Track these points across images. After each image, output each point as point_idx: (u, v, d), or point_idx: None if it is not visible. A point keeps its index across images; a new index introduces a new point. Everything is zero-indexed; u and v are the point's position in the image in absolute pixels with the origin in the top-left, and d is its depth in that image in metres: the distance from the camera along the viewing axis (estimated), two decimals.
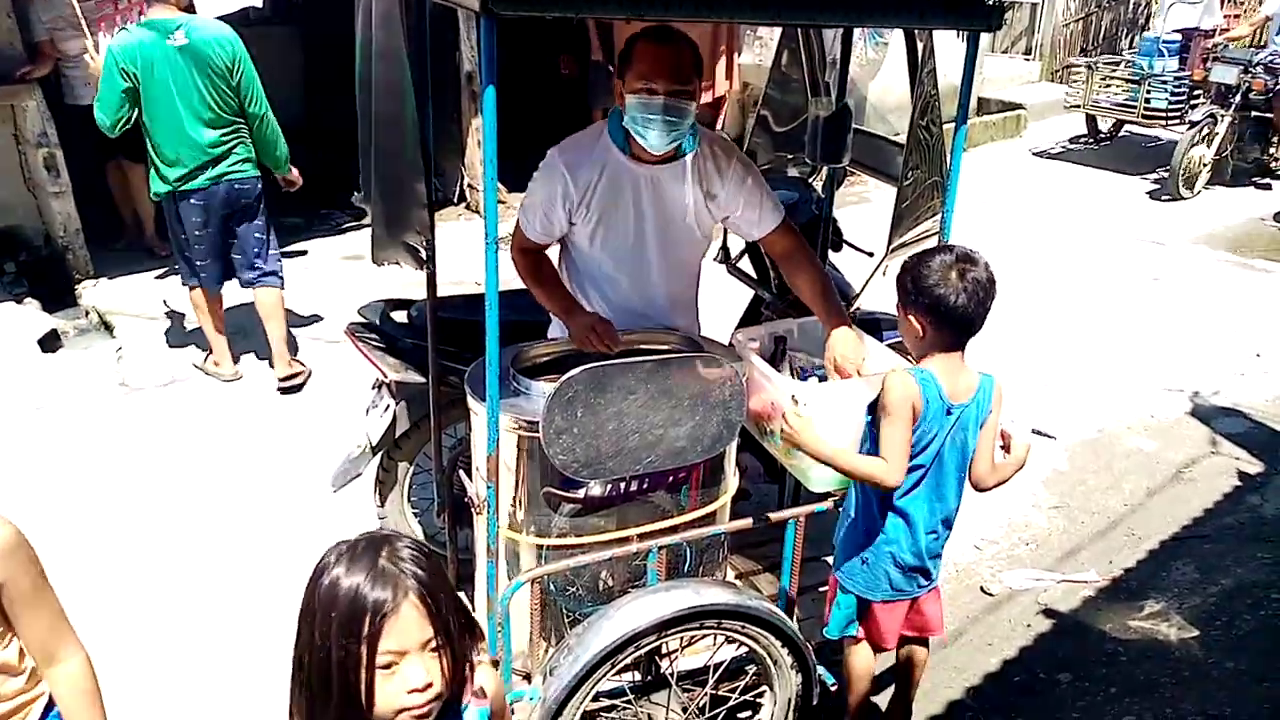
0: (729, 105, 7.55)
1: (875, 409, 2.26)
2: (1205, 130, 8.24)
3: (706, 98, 7.32)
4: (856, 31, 5.53)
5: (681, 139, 2.39)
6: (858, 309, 2.98)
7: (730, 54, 7.36)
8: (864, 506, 2.38)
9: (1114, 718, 2.92)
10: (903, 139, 2.64)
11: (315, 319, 5.34)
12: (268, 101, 4.41)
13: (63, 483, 3.84)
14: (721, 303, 3.49)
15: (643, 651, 2.24)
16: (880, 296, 2.66)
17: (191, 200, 4.32)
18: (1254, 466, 4.26)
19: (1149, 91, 8.77)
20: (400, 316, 3.13)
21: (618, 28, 5.92)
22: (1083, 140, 10.10)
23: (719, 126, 7.39)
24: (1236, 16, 10.93)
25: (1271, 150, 8.69)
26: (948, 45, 2.46)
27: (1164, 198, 8.24)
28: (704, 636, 2.37)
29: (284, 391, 4.64)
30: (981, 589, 3.44)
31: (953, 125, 2.44)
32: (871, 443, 2.30)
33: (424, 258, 2.49)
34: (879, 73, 8.15)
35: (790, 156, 3.39)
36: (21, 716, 1.65)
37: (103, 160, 5.85)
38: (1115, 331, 5.65)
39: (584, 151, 2.46)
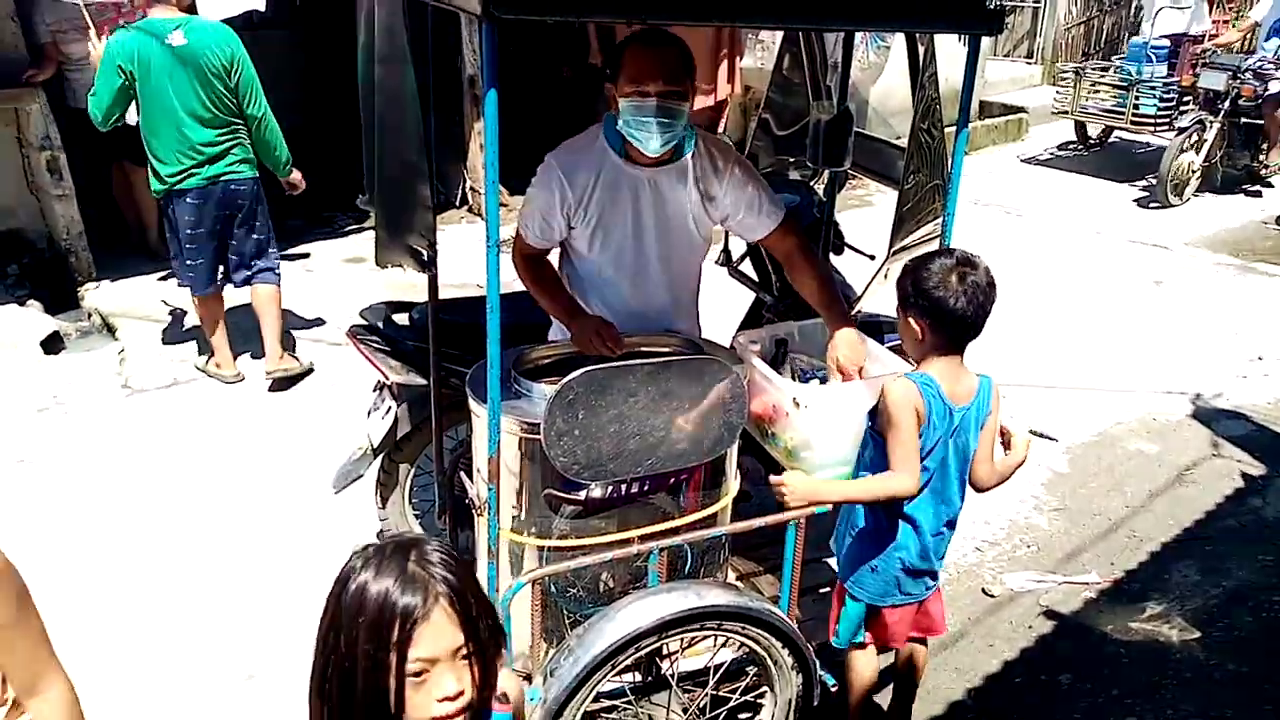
0: (731, 109, 7.56)
1: (876, 416, 2.26)
2: (1194, 137, 8.13)
3: (708, 101, 7.34)
4: (858, 35, 5.55)
5: (676, 140, 2.39)
6: (859, 312, 2.98)
7: (732, 57, 7.37)
8: (870, 514, 2.37)
9: (1115, 719, 2.92)
10: (904, 142, 2.65)
11: (317, 321, 5.35)
12: (268, 104, 4.41)
13: (65, 484, 3.85)
14: (723, 305, 3.50)
15: (643, 653, 2.25)
16: (882, 299, 2.67)
17: (187, 199, 4.33)
18: (1255, 469, 4.26)
19: (1137, 97, 8.66)
20: (402, 319, 3.14)
21: (618, 31, 5.93)
22: (1072, 147, 9.97)
23: (721, 130, 7.39)
24: (1226, 22, 10.85)
25: (1262, 157, 8.57)
26: (949, 49, 2.46)
27: (1152, 205, 8.14)
28: (705, 638, 2.37)
29: (274, 387, 4.66)
30: (983, 590, 3.44)
31: (954, 129, 2.44)
32: (874, 448, 2.30)
33: (426, 260, 2.49)
34: (880, 76, 8.16)
35: (792, 160, 3.39)
36: None
37: (106, 163, 5.86)
38: (1117, 334, 5.65)
39: (580, 155, 2.47)
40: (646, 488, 2.34)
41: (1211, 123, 8.17)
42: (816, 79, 3.17)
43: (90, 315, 5.40)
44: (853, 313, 2.87)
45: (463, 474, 2.67)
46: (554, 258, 2.70)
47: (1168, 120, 8.53)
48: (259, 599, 3.24)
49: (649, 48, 2.30)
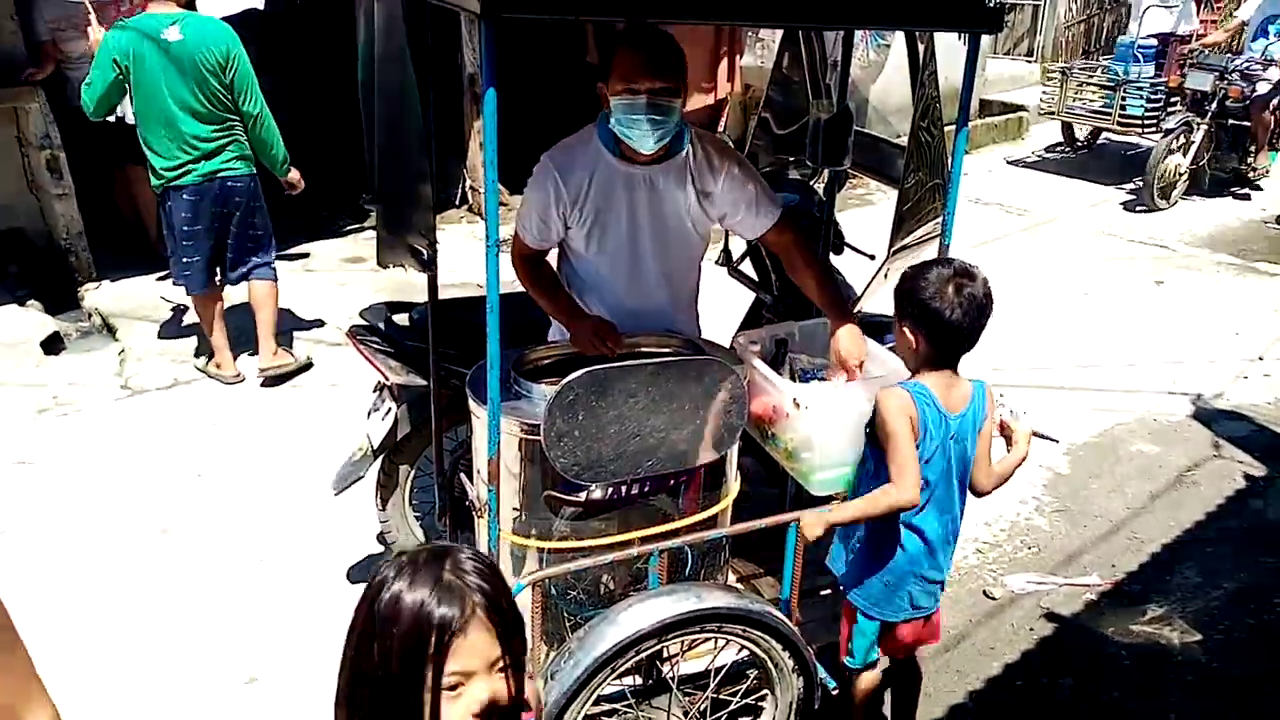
0: (730, 107, 7.55)
1: (873, 428, 2.25)
2: (1181, 139, 8.00)
3: (708, 99, 7.34)
4: (858, 34, 5.54)
5: (669, 138, 2.38)
6: (860, 311, 2.98)
7: (732, 56, 7.36)
8: (877, 530, 2.34)
9: None
10: (904, 141, 2.64)
11: (317, 322, 5.34)
12: (266, 103, 4.41)
13: (65, 485, 3.84)
14: (723, 305, 3.49)
15: (644, 655, 2.24)
16: (882, 299, 2.66)
17: (184, 196, 4.34)
18: (1257, 470, 4.25)
19: (1124, 98, 8.51)
20: (402, 319, 3.13)
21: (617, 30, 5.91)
22: (1059, 148, 9.86)
23: (720, 128, 7.39)
24: (1213, 22, 10.71)
25: (1249, 160, 8.40)
26: (949, 47, 2.46)
27: (1139, 209, 8.02)
28: (705, 640, 2.36)
29: (266, 384, 4.66)
30: (984, 593, 3.43)
31: (954, 127, 2.43)
32: (873, 461, 2.29)
33: (427, 260, 2.49)
34: (880, 75, 8.15)
35: (792, 159, 3.38)
36: None
37: (105, 162, 5.85)
38: (1117, 334, 5.64)
39: (574, 155, 2.46)
40: (647, 489, 2.33)
41: (1199, 124, 8.05)
42: (816, 77, 3.16)
43: (90, 315, 5.39)
44: (853, 312, 2.86)
45: (463, 475, 2.66)
46: (553, 259, 2.69)
47: (1155, 121, 8.43)
48: (259, 601, 3.23)
49: (639, 46, 2.30)
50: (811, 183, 3.44)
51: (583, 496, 2.28)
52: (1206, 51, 8.59)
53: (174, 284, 4.71)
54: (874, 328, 2.79)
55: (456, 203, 7.36)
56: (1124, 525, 3.85)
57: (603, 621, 2.19)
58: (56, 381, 4.65)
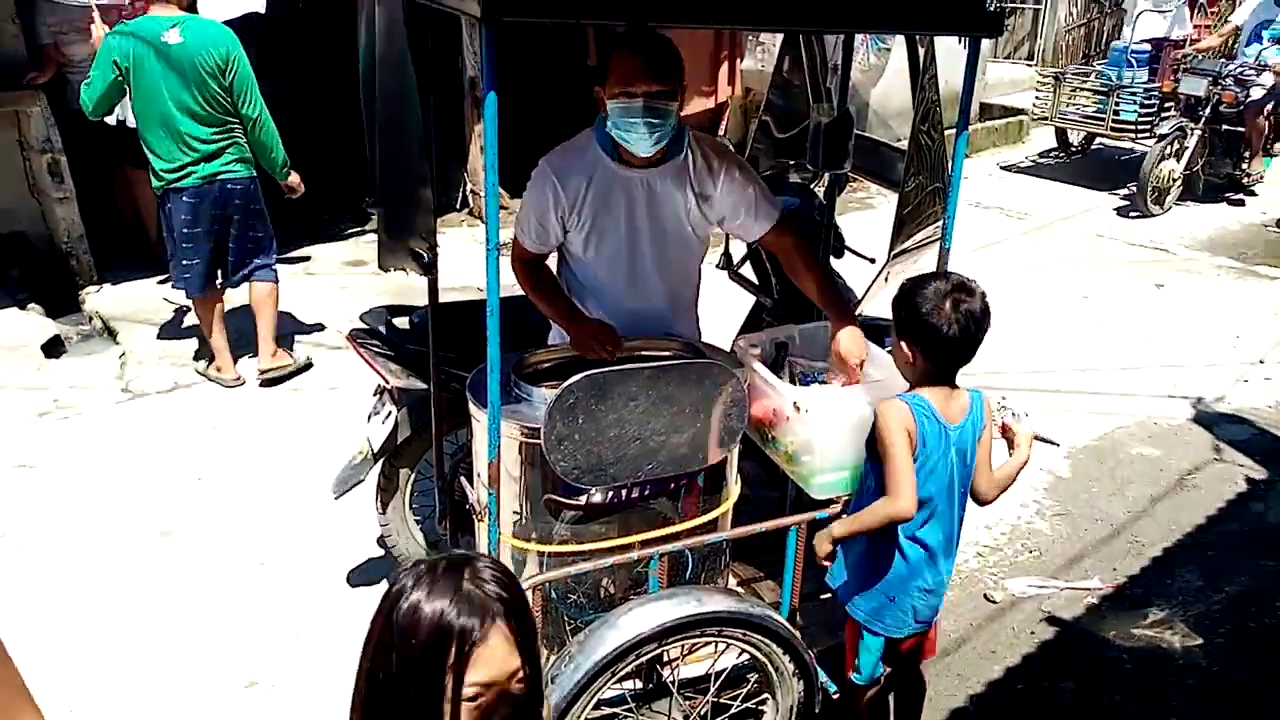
0: (731, 111, 7.56)
1: (873, 443, 2.25)
2: (1175, 144, 7.93)
3: (709, 103, 7.35)
4: (858, 37, 5.55)
5: (666, 140, 2.38)
6: (860, 315, 2.98)
7: (732, 60, 7.38)
8: (876, 544, 2.32)
9: None
10: (904, 145, 2.64)
11: (318, 325, 5.34)
12: (266, 106, 4.41)
13: (66, 489, 3.84)
14: (723, 309, 3.49)
15: (644, 659, 2.24)
16: (882, 303, 2.66)
17: (184, 198, 4.35)
18: (1258, 473, 4.24)
19: (1118, 103, 8.39)
20: (403, 323, 3.13)
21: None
22: (1053, 154, 9.79)
23: (721, 132, 7.40)
24: (1207, 27, 10.62)
25: (1244, 165, 8.32)
26: (949, 51, 2.46)
27: (1132, 214, 7.95)
28: (705, 644, 2.36)
29: (264, 384, 4.68)
30: (985, 596, 3.42)
31: (954, 131, 2.44)
32: (874, 477, 2.29)
33: (427, 263, 2.49)
34: (881, 78, 8.16)
35: (792, 162, 3.38)
36: None
37: (106, 165, 5.86)
38: (1118, 337, 5.64)
39: (572, 159, 2.47)
40: (647, 493, 2.33)
41: (1192, 129, 7.96)
42: (816, 81, 3.16)
43: (91, 319, 5.40)
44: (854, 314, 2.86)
45: (463, 479, 2.66)
46: (553, 263, 2.69)
47: (1148, 127, 8.36)
48: (259, 604, 3.23)
49: (636, 49, 2.30)
50: (812, 186, 3.44)
51: (583, 500, 2.28)
52: (1200, 56, 8.52)
53: (174, 287, 4.72)
54: (874, 331, 2.79)
55: (457, 206, 7.36)
56: (1125, 529, 3.85)
57: (603, 625, 2.19)
58: (57, 385, 4.65)
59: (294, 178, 4.64)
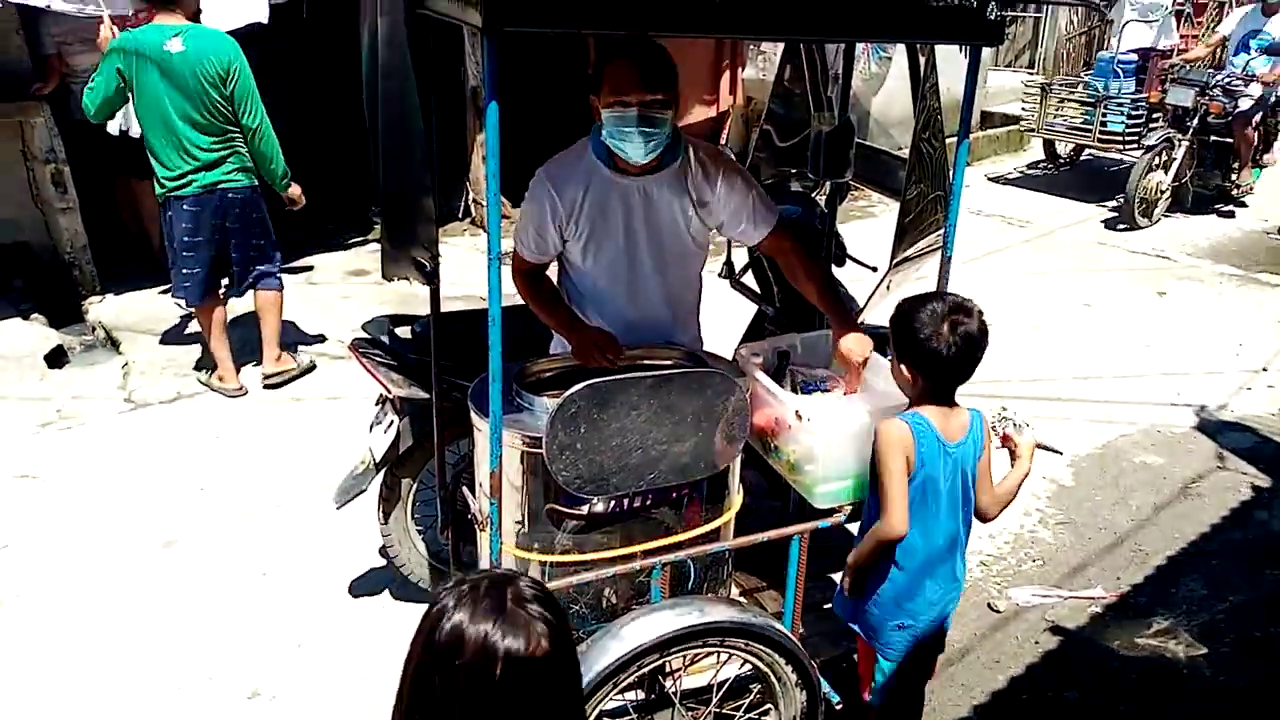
0: (733, 120, 7.57)
1: (875, 463, 2.25)
2: (1162, 155, 7.84)
3: (710, 112, 7.36)
4: (859, 46, 5.56)
5: (660, 148, 2.38)
6: (862, 323, 2.97)
7: (734, 69, 7.39)
8: (882, 566, 2.30)
9: None
10: (906, 153, 2.64)
11: (320, 336, 5.35)
12: (271, 117, 4.43)
13: (68, 499, 3.84)
14: (725, 317, 3.49)
15: (646, 670, 2.23)
16: (884, 311, 2.66)
17: (185, 206, 4.37)
18: (1262, 481, 4.23)
19: (1105, 114, 8.33)
20: (404, 332, 3.13)
21: None
22: (1041, 165, 9.70)
23: (723, 141, 7.41)
24: (1195, 37, 10.51)
25: (1233, 177, 8.23)
26: (950, 59, 2.46)
27: (1120, 227, 7.85)
28: (708, 654, 2.35)
29: (268, 388, 4.73)
30: (989, 606, 3.41)
31: (955, 139, 2.44)
32: (873, 497, 2.29)
33: (429, 272, 2.49)
34: (882, 87, 8.16)
35: (793, 171, 3.39)
36: None
37: (109, 176, 5.88)
38: (1120, 345, 5.63)
39: (568, 168, 2.47)
40: (649, 502, 2.33)
41: (1180, 141, 7.88)
42: (818, 90, 3.17)
43: (94, 329, 5.41)
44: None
45: (465, 489, 2.66)
46: (554, 274, 2.69)
47: (1136, 138, 8.26)
48: (262, 614, 3.23)
49: (629, 58, 2.30)
50: (813, 195, 3.44)
51: (585, 510, 2.28)
52: (1187, 67, 8.44)
53: (173, 296, 4.73)
54: (876, 339, 2.79)
55: (460, 216, 7.38)
56: (1128, 537, 3.84)
57: (605, 635, 2.18)
58: (60, 395, 4.66)
59: (294, 189, 4.65)
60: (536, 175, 2.49)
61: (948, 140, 2.49)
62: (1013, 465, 2.36)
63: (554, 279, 2.70)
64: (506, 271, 2.46)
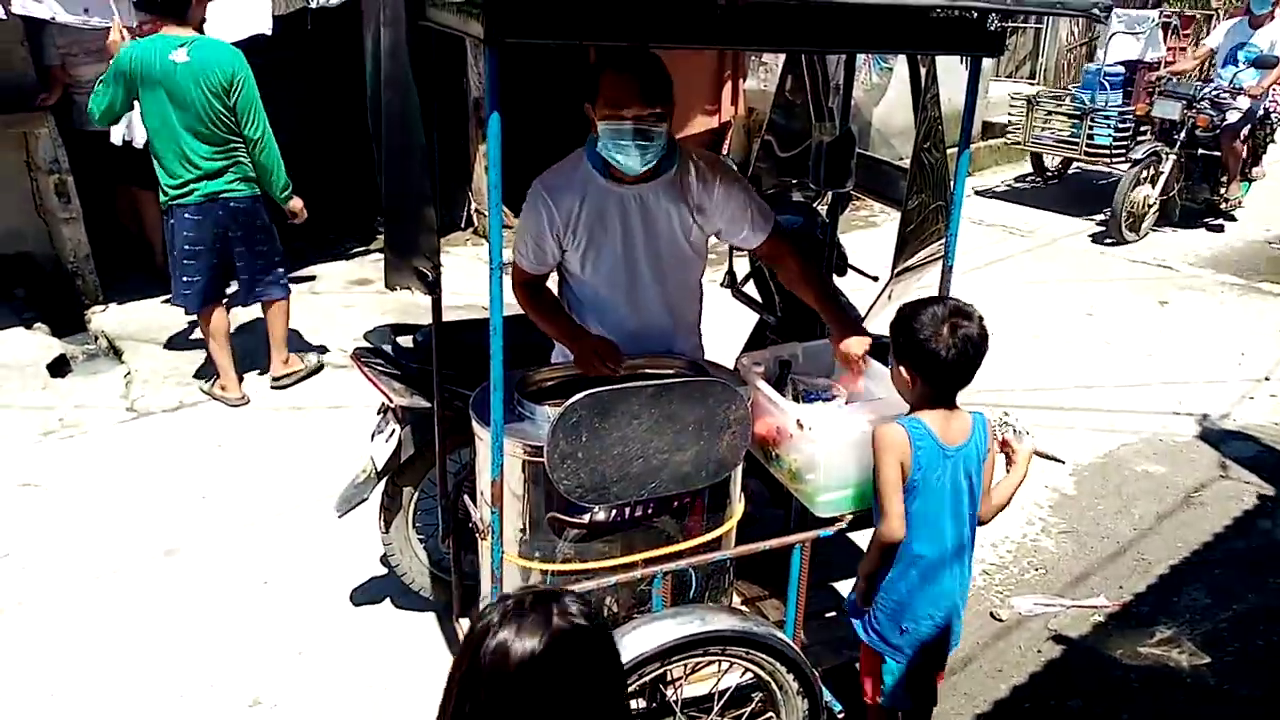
0: (734, 130, 7.60)
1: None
2: (1150, 169, 7.70)
3: (712, 123, 7.38)
4: (860, 57, 5.58)
5: (657, 159, 2.40)
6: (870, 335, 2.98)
7: (735, 80, 7.42)
8: (883, 571, 2.31)
9: None
10: (907, 163, 2.65)
11: (322, 346, 5.35)
12: (274, 128, 4.45)
13: (70, 508, 3.85)
14: (726, 327, 3.49)
15: (648, 679, 2.22)
16: (886, 320, 2.66)
17: (186, 214, 4.39)
18: (1265, 490, 4.22)
19: (1091, 126, 8.21)
20: (406, 341, 3.14)
21: None
22: (1029, 179, 9.60)
23: (724, 151, 7.43)
24: (1181, 49, 10.39)
25: (1222, 191, 8.09)
26: (951, 70, 2.48)
27: (1107, 241, 7.72)
28: (709, 663, 2.35)
29: (276, 388, 4.81)
30: (991, 614, 3.41)
31: (956, 149, 2.45)
32: (876, 502, 2.29)
33: (431, 281, 2.50)
34: (883, 98, 8.19)
35: (795, 181, 3.40)
36: None
37: (112, 185, 5.90)
38: (1122, 354, 5.63)
39: (565, 178, 2.49)
40: (650, 511, 2.33)
41: (1168, 154, 7.74)
42: (819, 101, 3.18)
43: (97, 338, 5.42)
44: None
45: (466, 497, 2.67)
46: (554, 286, 2.70)
47: (1123, 151, 8.15)
48: (263, 623, 3.23)
49: (624, 71, 2.31)
50: (814, 205, 3.45)
51: (586, 518, 2.28)
52: (1175, 79, 8.27)
53: (172, 303, 4.74)
54: (878, 349, 2.79)
55: (462, 225, 7.39)
56: (1131, 546, 3.83)
57: None
58: (62, 404, 4.67)
59: (296, 203, 4.66)
60: (533, 186, 2.50)
61: (949, 150, 2.50)
62: (1009, 471, 2.37)
63: (554, 290, 2.70)
64: (508, 281, 2.48)
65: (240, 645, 3.12)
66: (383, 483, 3.08)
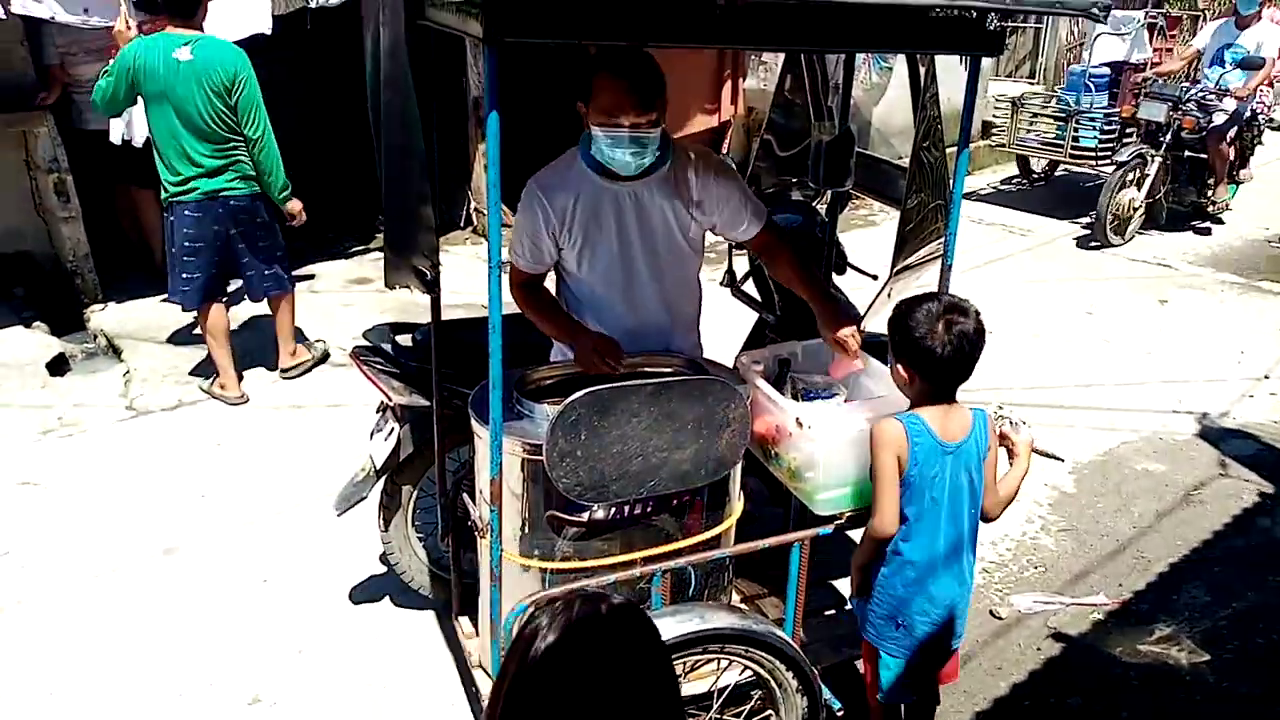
0: (734, 130, 7.59)
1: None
2: (1135, 172, 7.54)
3: (711, 122, 7.38)
4: (860, 56, 5.59)
5: (652, 159, 2.41)
6: (864, 331, 2.98)
7: (735, 79, 7.42)
8: (878, 566, 2.32)
9: None
10: (906, 162, 2.65)
11: (321, 343, 5.35)
12: (274, 126, 4.45)
13: (70, 507, 3.85)
14: (725, 325, 3.49)
15: None
16: (885, 319, 2.66)
17: (186, 212, 4.40)
18: (1264, 488, 4.23)
19: (1077, 128, 8.13)
20: (405, 340, 3.14)
21: None
22: (1015, 181, 9.51)
23: (724, 150, 7.43)
24: (1168, 50, 10.28)
25: (1209, 193, 7.96)
26: (951, 69, 2.48)
27: (1092, 244, 7.61)
28: (709, 661, 2.35)
29: (285, 378, 4.91)
30: (991, 612, 3.41)
31: (955, 149, 2.45)
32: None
33: (430, 280, 2.50)
34: (882, 97, 8.19)
35: (794, 180, 3.40)
36: None
37: (111, 184, 5.90)
38: (1122, 352, 5.63)
39: (559, 176, 2.49)
40: (650, 509, 2.33)
41: (1153, 156, 7.57)
42: (818, 100, 3.18)
43: (96, 337, 5.42)
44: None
45: (465, 496, 2.67)
46: (552, 286, 2.70)
47: (1109, 153, 8.02)
48: (262, 621, 3.23)
49: (620, 77, 2.30)
50: (814, 204, 3.45)
51: (585, 517, 2.28)
52: (1161, 81, 8.19)
53: (169, 299, 4.74)
54: (877, 348, 2.79)
55: (461, 224, 7.39)
56: (1131, 544, 3.83)
57: None
58: (62, 403, 4.67)
59: (295, 204, 4.66)
60: (528, 186, 2.51)
61: (948, 150, 2.50)
62: (1010, 464, 2.37)
63: (552, 290, 2.71)
64: (507, 279, 2.48)
65: (240, 643, 3.12)
66: (382, 481, 3.09)
